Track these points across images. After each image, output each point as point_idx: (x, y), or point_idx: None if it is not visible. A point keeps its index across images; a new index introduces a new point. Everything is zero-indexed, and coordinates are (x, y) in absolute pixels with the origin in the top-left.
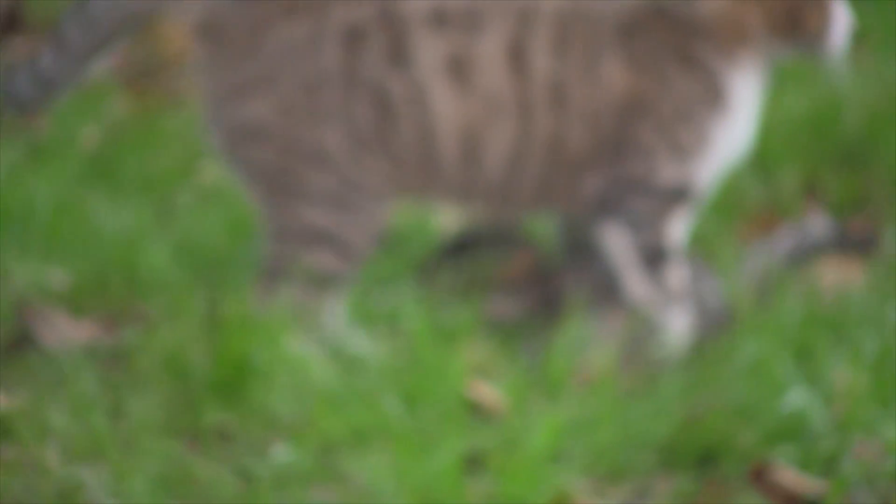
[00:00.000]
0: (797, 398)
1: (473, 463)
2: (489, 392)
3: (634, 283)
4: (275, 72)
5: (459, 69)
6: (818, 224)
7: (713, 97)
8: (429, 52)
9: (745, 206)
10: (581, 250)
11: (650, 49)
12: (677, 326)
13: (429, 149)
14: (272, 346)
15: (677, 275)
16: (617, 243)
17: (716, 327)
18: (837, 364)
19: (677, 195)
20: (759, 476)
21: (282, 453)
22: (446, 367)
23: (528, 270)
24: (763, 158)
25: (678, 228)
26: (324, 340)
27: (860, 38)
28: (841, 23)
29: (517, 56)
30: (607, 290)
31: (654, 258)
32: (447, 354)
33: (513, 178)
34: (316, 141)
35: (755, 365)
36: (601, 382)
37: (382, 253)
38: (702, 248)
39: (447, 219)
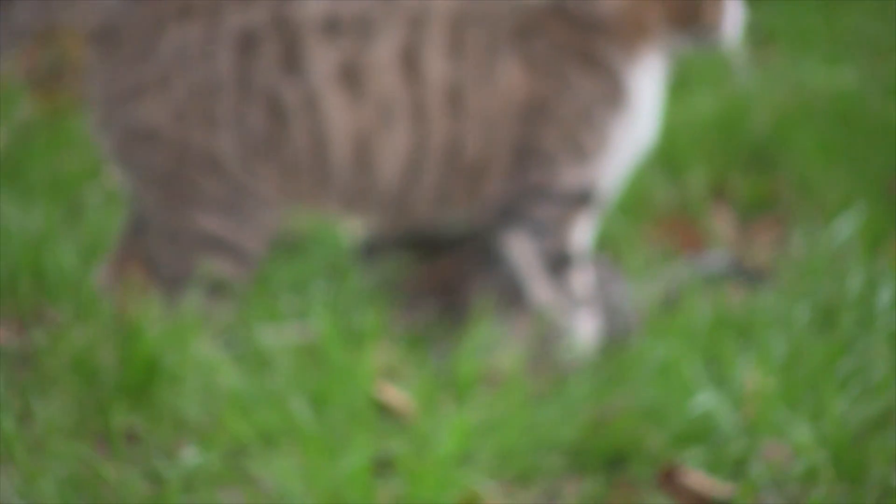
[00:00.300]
0: (706, 401)
1: (382, 465)
2: (398, 395)
3: (540, 288)
4: (168, 75)
5: (352, 76)
6: (717, 256)
7: (614, 96)
8: (322, 59)
9: (654, 208)
10: (488, 255)
11: (548, 50)
12: (584, 330)
13: (321, 157)
14: (180, 349)
15: (582, 279)
16: (521, 250)
17: (624, 330)
18: (746, 366)
19: (581, 199)
20: (667, 479)
21: (190, 455)
22: (355, 369)
23: (437, 274)
24: (671, 160)
25: (583, 232)
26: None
27: (768, 38)
28: (735, 14)
29: (411, 61)
30: (514, 295)
31: (558, 263)
32: (356, 357)
33: (409, 186)
34: (209, 146)
35: (664, 367)
36: (509, 385)
37: (292, 255)
38: (610, 249)
39: (357, 222)
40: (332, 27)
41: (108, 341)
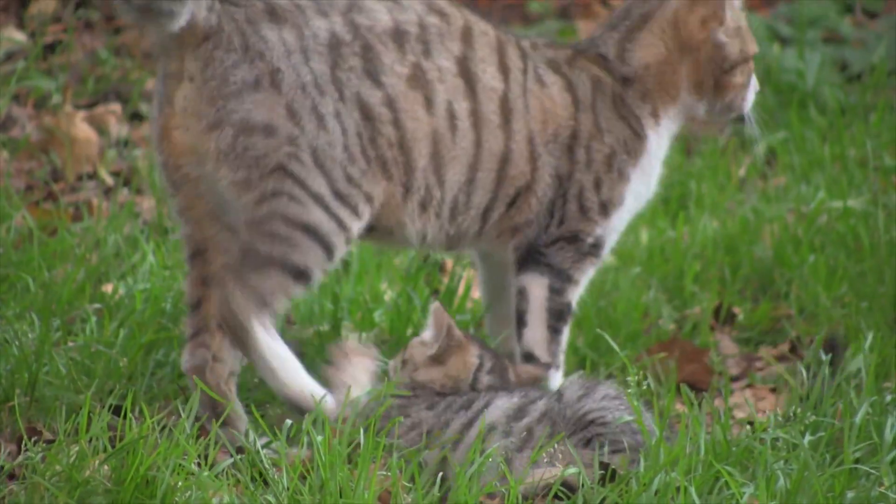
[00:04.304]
0: None
1: None
2: None
3: (538, 330)
4: (278, 72)
5: (422, 83)
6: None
7: (636, 148)
8: (395, 66)
9: (658, 332)
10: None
11: (588, 86)
12: (555, 384)
13: (406, 158)
14: (175, 465)
15: (565, 336)
16: (536, 294)
17: (628, 455)
18: (749, 494)
19: (594, 249)
20: None
21: None
22: (353, 491)
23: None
24: (676, 283)
25: (585, 282)
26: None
27: (773, 162)
28: (751, 96)
29: (468, 71)
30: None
31: (559, 316)
32: (356, 477)
33: (466, 196)
34: (318, 142)
35: (665, 495)
36: None
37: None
38: (616, 374)
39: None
40: (399, 37)
41: (102, 457)
